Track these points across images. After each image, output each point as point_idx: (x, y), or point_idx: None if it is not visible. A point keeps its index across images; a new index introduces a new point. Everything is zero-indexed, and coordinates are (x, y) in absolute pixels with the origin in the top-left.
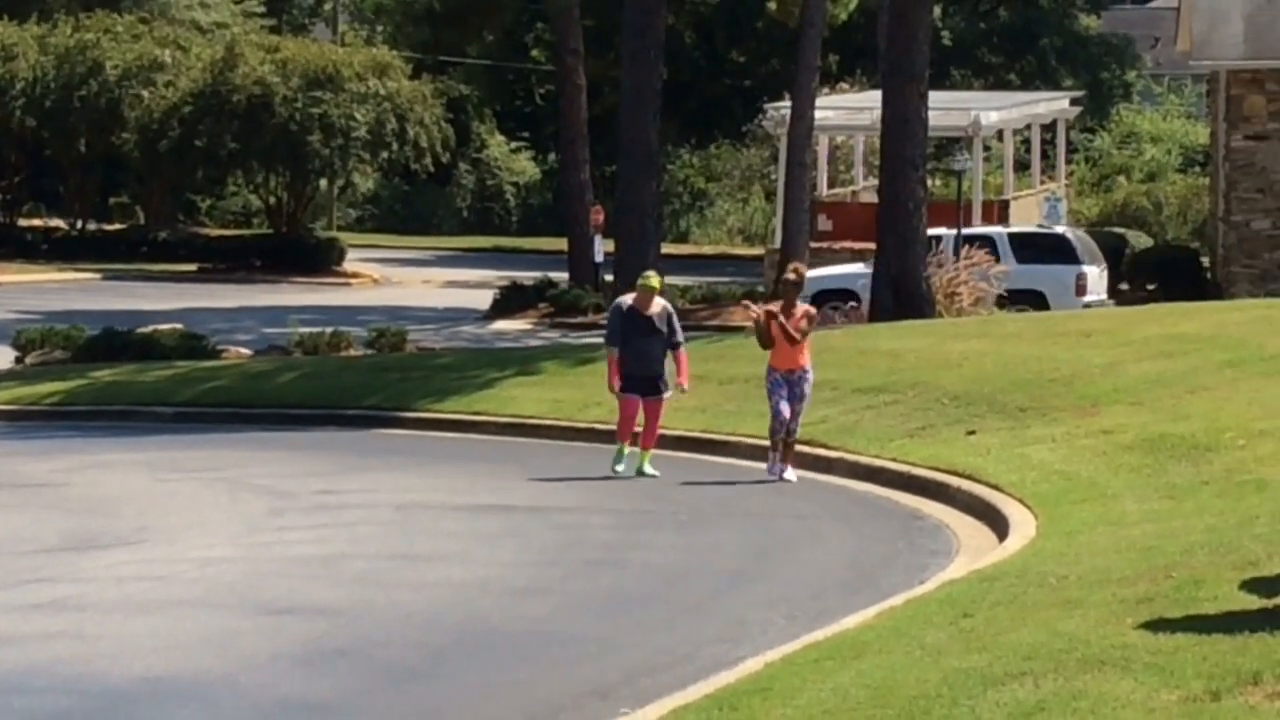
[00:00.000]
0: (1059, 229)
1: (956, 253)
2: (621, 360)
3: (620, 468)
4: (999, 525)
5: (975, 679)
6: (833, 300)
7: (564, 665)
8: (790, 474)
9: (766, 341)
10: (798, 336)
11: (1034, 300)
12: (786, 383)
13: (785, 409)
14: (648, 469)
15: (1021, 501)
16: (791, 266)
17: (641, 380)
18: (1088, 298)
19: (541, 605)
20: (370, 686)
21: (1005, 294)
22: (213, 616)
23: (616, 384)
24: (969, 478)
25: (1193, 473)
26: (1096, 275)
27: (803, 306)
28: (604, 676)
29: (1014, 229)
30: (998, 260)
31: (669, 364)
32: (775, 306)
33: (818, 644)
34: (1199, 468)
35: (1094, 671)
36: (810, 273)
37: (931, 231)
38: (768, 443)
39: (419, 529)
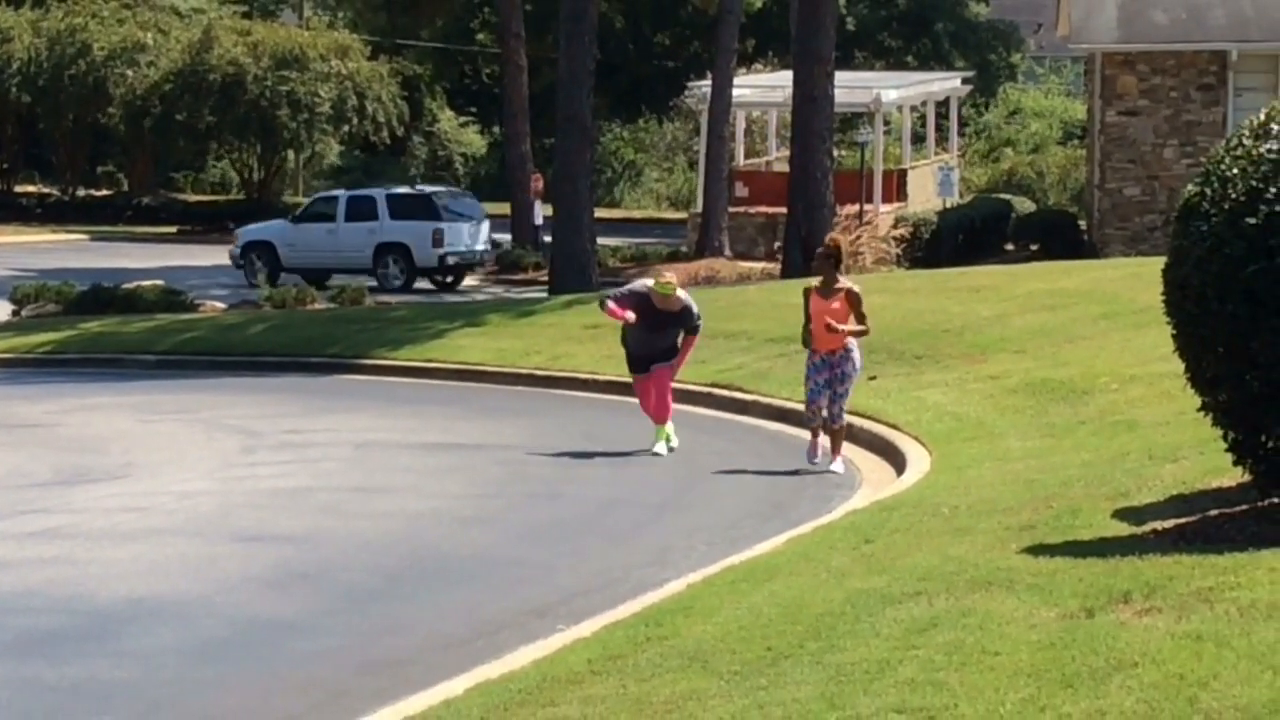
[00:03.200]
0: (427, 189)
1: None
2: (627, 341)
3: (659, 449)
4: (897, 461)
5: (876, 598)
6: (258, 251)
7: (507, 587)
8: (838, 464)
9: (805, 339)
10: (837, 326)
11: (402, 251)
12: (827, 365)
13: (822, 399)
14: (658, 447)
15: (917, 439)
16: (829, 239)
17: (643, 359)
18: (444, 249)
19: (486, 533)
20: (332, 606)
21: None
22: (190, 544)
23: (620, 312)
24: (870, 418)
25: (1071, 414)
26: (464, 230)
27: (844, 285)
28: (543, 597)
29: (392, 190)
30: (376, 218)
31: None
32: (814, 282)
33: (734, 567)
34: (1076, 409)
35: (981, 591)
36: (244, 228)
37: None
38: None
39: (376, 465)
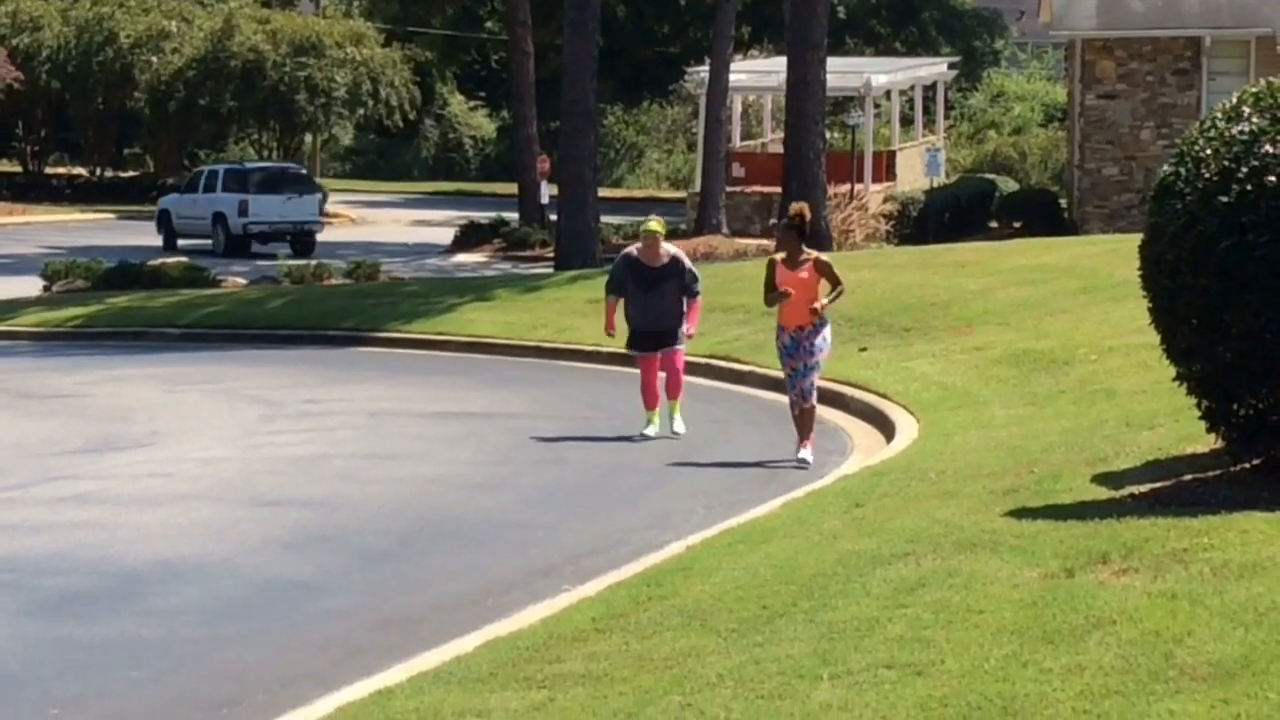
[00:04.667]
0: (250, 165)
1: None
2: (629, 316)
3: (650, 431)
4: (887, 428)
5: (866, 559)
6: (163, 217)
7: (515, 549)
8: (806, 452)
9: (769, 298)
10: (816, 305)
11: (220, 219)
12: (796, 344)
13: (801, 379)
14: (677, 425)
15: (906, 408)
16: (793, 208)
17: (653, 336)
18: (248, 219)
19: (495, 497)
20: (348, 567)
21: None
22: (213, 508)
23: (610, 329)
24: (861, 388)
25: (1052, 383)
26: (275, 202)
27: (811, 255)
28: (549, 558)
29: (230, 166)
30: (216, 189)
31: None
32: (779, 256)
33: (731, 530)
34: (1057, 379)
35: (967, 552)
36: (162, 198)
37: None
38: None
39: (390, 432)
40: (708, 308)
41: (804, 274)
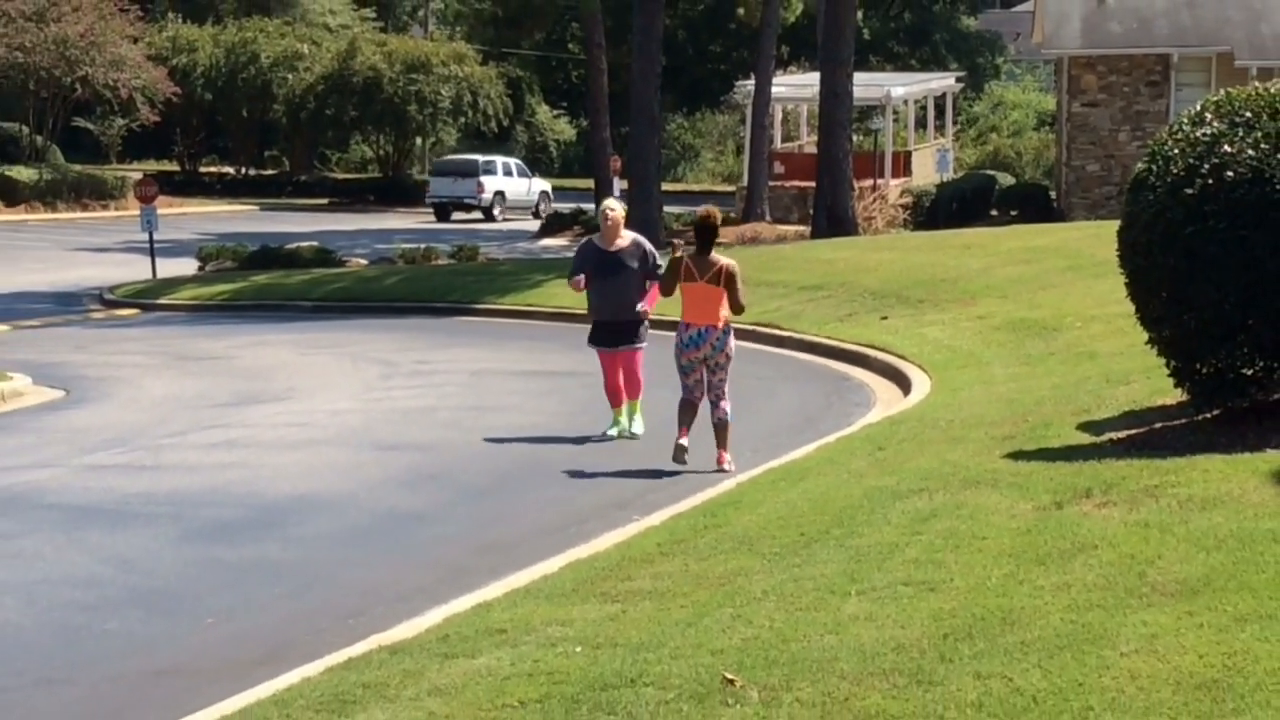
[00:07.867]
0: (449, 158)
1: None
2: (591, 306)
3: (613, 432)
4: (904, 384)
5: (887, 494)
6: None
7: (593, 485)
8: (728, 463)
9: (668, 287)
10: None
11: None
12: (695, 345)
13: (697, 373)
14: (636, 426)
15: (920, 367)
16: (702, 210)
17: (613, 329)
18: (430, 194)
19: (576, 443)
20: (454, 500)
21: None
22: (340, 452)
23: (581, 283)
24: (882, 350)
25: (1043, 346)
26: (448, 182)
27: (720, 263)
28: (621, 493)
29: (449, 157)
30: None
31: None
32: (688, 254)
33: (774, 470)
34: (1048, 343)
35: (972, 488)
36: None
37: None
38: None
39: (488, 388)
40: (753, 282)
41: (709, 283)
